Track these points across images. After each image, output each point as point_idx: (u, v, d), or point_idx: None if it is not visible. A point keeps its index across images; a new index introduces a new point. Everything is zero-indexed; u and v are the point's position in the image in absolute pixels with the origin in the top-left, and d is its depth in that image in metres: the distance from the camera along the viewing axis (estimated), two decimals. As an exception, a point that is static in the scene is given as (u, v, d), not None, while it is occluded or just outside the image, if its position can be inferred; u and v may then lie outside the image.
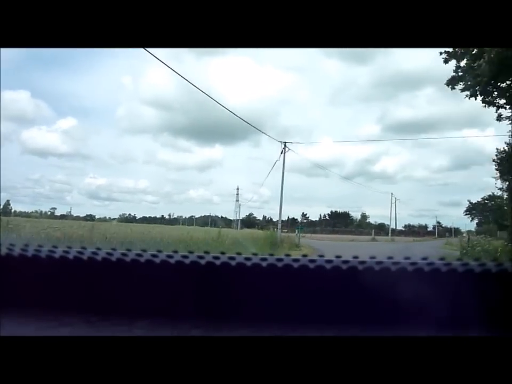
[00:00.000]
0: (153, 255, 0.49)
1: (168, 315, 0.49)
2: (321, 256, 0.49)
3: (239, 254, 0.49)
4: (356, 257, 0.48)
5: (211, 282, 0.50)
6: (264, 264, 0.48)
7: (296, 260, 0.49)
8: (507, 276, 0.48)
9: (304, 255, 0.49)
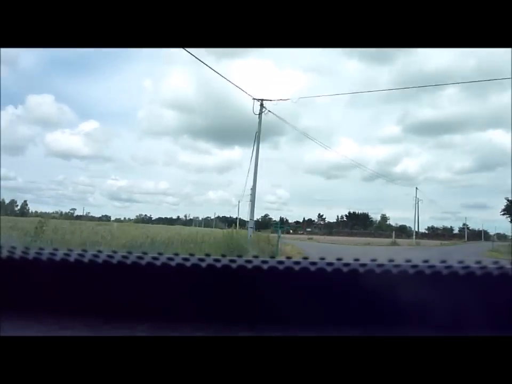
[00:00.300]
0: (154, 258, 0.49)
1: (169, 317, 0.49)
2: (322, 258, 0.49)
3: (240, 256, 0.49)
4: (356, 259, 0.48)
5: (212, 284, 0.50)
6: (265, 266, 0.48)
7: (297, 263, 0.49)
8: (508, 277, 0.48)
9: (305, 258, 0.50)
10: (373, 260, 0.48)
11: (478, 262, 0.49)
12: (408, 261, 0.48)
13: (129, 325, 0.48)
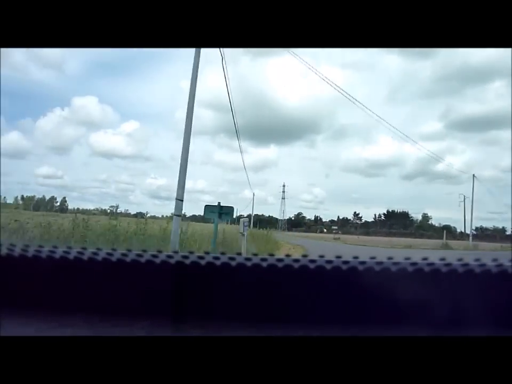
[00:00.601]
0: (154, 255, 0.49)
1: (169, 315, 0.49)
2: (321, 256, 0.49)
3: (239, 254, 0.49)
4: (356, 257, 0.48)
5: (211, 282, 0.50)
6: (264, 264, 0.48)
7: (296, 260, 0.49)
8: (507, 276, 0.48)
9: (304, 255, 0.50)
10: (372, 258, 0.48)
11: (477, 260, 0.49)
12: (407, 258, 0.48)
13: (129, 323, 0.48)
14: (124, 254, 0.49)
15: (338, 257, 0.49)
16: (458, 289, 0.48)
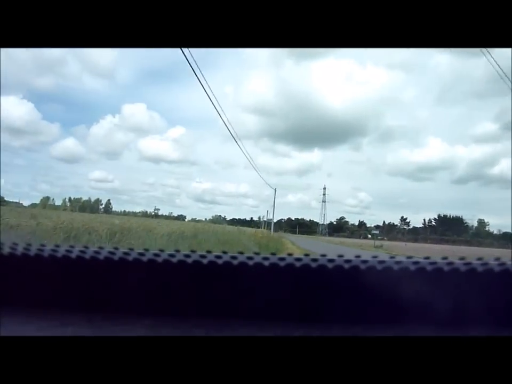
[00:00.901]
0: (156, 254, 0.49)
1: (170, 315, 0.49)
2: (323, 255, 0.49)
3: (241, 253, 0.49)
4: (358, 256, 0.48)
5: (213, 281, 0.50)
6: (266, 263, 0.48)
7: (298, 259, 0.48)
8: (509, 275, 0.47)
9: (306, 254, 0.49)
10: (374, 257, 0.48)
11: (480, 259, 0.49)
12: (409, 257, 0.48)
13: (130, 322, 0.48)
14: (125, 253, 0.49)
15: (341, 256, 0.49)
16: (461, 289, 0.48)
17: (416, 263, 0.47)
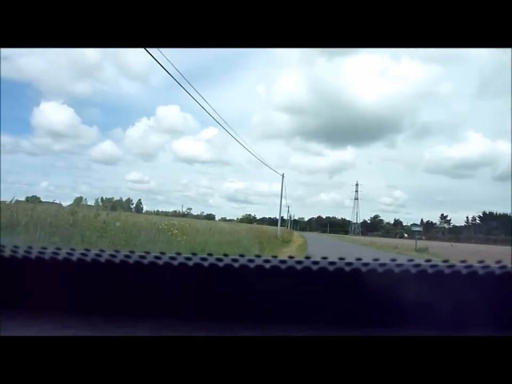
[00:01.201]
0: (157, 257, 0.49)
1: (171, 316, 0.49)
2: (324, 258, 0.49)
3: (242, 255, 0.49)
4: (359, 259, 0.49)
5: (214, 284, 0.50)
6: (267, 266, 0.48)
7: (299, 262, 0.49)
8: (509, 277, 0.48)
9: (307, 257, 0.50)
10: (375, 260, 0.48)
11: (481, 262, 0.49)
12: (410, 260, 0.49)
13: (131, 324, 0.48)
14: (127, 256, 0.50)
15: (342, 258, 0.49)
16: (461, 291, 0.48)
17: (417, 265, 0.48)
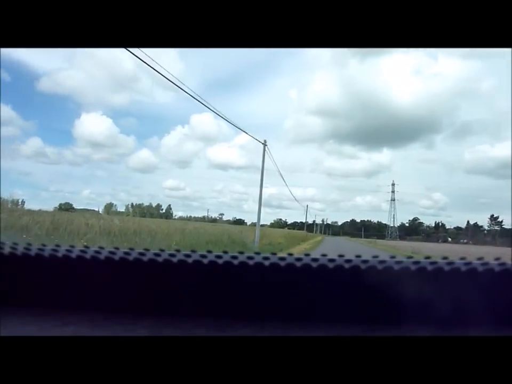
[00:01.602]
0: (156, 254, 0.49)
1: (171, 314, 0.49)
2: (323, 255, 0.49)
3: (241, 253, 0.49)
4: (358, 256, 0.49)
5: (214, 281, 0.50)
6: (266, 263, 0.48)
7: (299, 259, 0.48)
8: (509, 275, 0.47)
9: (307, 254, 0.50)
10: (375, 257, 0.48)
11: (480, 259, 0.49)
12: (410, 257, 0.49)
13: (131, 322, 0.48)
14: (126, 253, 0.49)
15: (341, 256, 0.49)
16: (461, 288, 0.48)
17: (416, 262, 0.48)
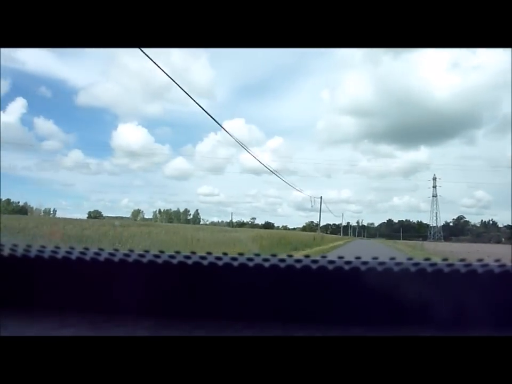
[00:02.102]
0: (156, 256, 0.49)
1: (171, 315, 0.49)
2: (323, 257, 0.50)
3: (241, 254, 0.49)
4: (358, 257, 0.49)
5: (213, 283, 0.50)
6: (266, 264, 0.48)
7: (298, 261, 0.49)
8: (508, 276, 0.47)
9: (307, 256, 0.50)
10: (375, 258, 0.48)
11: (480, 260, 0.49)
12: (410, 259, 0.49)
13: (131, 323, 0.48)
14: (126, 254, 0.49)
15: (341, 257, 0.49)
16: (461, 290, 0.48)
17: (416, 264, 0.48)
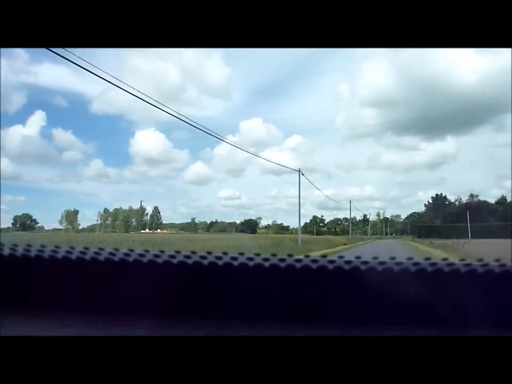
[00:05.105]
0: (156, 255, 0.49)
1: (171, 315, 0.49)
2: (323, 256, 0.50)
3: (241, 254, 0.49)
4: (358, 257, 0.49)
5: (213, 282, 0.50)
6: (266, 264, 0.48)
7: (298, 260, 0.49)
8: (509, 276, 0.47)
9: (307, 256, 0.50)
10: (375, 258, 0.49)
11: (480, 260, 0.49)
12: (409, 258, 0.49)
13: (131, 323, 0.48)
14: (126, 254, 0.50)
15: (341, 257, 0.49)
16: (461, 289, 0.48)
17: (416, 264, 0.48)
